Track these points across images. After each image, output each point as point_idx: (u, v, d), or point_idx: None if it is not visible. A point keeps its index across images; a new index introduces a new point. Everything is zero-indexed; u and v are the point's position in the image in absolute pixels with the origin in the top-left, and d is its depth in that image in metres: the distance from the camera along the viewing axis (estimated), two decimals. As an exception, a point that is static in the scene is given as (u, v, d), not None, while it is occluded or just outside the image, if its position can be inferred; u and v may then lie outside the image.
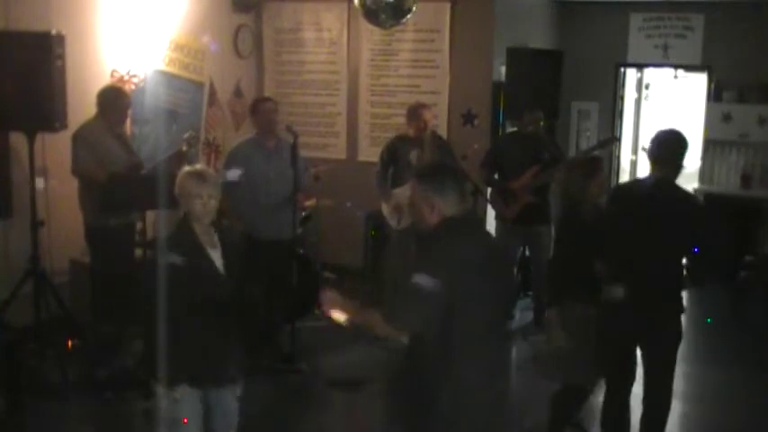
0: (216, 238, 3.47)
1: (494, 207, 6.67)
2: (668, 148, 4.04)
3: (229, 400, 3.57)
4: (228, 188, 5.65)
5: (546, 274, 4.84)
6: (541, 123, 6.62)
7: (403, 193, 6.32)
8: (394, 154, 6.45)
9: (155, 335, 3.25)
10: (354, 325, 3.04)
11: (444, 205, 2.94)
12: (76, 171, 5.36)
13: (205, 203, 3.36)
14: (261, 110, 5.70)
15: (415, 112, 6.37)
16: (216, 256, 3.43)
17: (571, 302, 4.21)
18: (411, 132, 6.38)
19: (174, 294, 3.22)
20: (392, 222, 6.46)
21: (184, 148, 5.68)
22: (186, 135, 5.83)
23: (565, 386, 4.47)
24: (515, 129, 7.06)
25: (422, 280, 2.80)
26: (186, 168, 3.45)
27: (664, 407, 4.13)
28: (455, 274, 2.82)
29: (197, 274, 3.31)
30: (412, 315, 2.84)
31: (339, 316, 3.03)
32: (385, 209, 6.51)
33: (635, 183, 4.09)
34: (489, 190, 6.75)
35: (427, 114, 6.37)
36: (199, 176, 3.39)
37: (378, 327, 2.96)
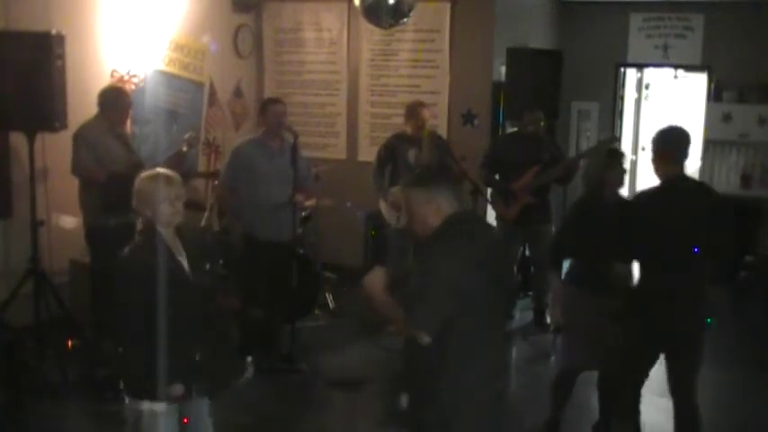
0: (179, 244, 3.33)
1: (494, 208, 6.66)
2: (681, 143, 4.12)
3: (204, 414, 3.40)
4: (229, 188, 5.67)
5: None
6: (542, 123, 6.62)
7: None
8: (392, 152, 6.45)
9: (129, 344, 3.19)
10: (378, 307, 2.99)
11: (447, 204, 2.98)
12: (77, 171, 5.36)
13: (174, 205, 3.25)
14: (270, 111, 5.66)
15: (413, 111, 6.37)
16: (183, 263, 3.30)
17: (586, 289, 4.35)
18: (409, 131, 6.39)
19: (142, 301, 3.11)
20: (391, 221, 6.46)
21: (185, 149, 5.67)
22: (187, 135, 5.82)
23: (562, 370, 4.62)
24: (515, 129, 7.06)
25: (425, 280, 2.82)
26: (145, 173, 3.32)
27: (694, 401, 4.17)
28: (456, 273, 2.83)
29: (168, 280, 3.15)
30: (430, 315, 2.84)
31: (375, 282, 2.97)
32: (383, 207, 6.52)
33: (659, 187, 4.17)
34: (489, 190, 6.75)
35: (425, 113, 6.37)
36: (164, 179, 3.27)
37: (399, 322, 2.94)
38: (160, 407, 3.18)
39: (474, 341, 2.89)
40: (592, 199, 4.47)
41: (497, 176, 6.64)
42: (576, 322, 4.47)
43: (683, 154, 4.11)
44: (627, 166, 4.48)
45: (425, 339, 2.84)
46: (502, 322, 3.24)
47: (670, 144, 4.10)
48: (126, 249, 3.25)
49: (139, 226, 5.13)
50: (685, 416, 4.16)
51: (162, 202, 3.23)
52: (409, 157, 6.34)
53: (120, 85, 6.27)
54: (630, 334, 4.17)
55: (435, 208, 2.97)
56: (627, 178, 4.52)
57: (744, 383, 5.67)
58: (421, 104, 6.47)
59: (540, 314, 6.77)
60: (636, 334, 4.13)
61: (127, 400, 3.24)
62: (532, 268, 6.96)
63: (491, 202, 6.66)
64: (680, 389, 4.14)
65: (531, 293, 7.03)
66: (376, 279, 2.98)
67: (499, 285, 3.06)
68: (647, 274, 4.12)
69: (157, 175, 3.30)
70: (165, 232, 3.27)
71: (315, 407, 5.27)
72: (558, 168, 6.39)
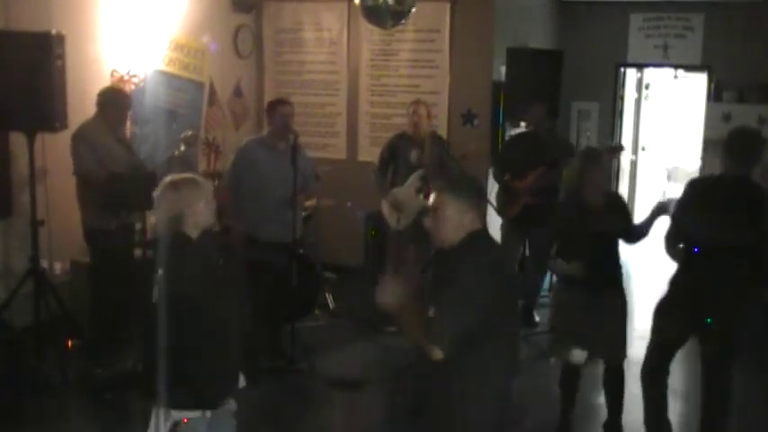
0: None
1: (498, 205, 6.63)
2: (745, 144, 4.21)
3: (228, 413, 3.38)
4: (233, 188, 5.66)
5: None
6: (544, 117, 6.64)
7: (403, 192, 6.32)
8: (394, 152, 6.46)
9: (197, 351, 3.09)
10: (398, 317, 2.89)
11: (478, 218, 2.94)
12: (79, 172, 5.33)
13: (209, 205, 3.23)
14: (278, 111, 5.65)
15: (409, 109, 6.46)
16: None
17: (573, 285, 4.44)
18: (410, 130, 6.41)
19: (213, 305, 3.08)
20: (391, 222, 6.45)
21: (182, 148, 5.65)
22: (183, 135, 5.80)
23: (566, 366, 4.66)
24: (524, 128, 7.10)
25: (460, 306, 2.79)
26: (177, 178, 3.24)
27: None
28: (489, 286, 2.82)
29: (217, 292, 3.15)
30: (456, 330, 2.78)
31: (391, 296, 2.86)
32: (385, 208, 6.52)
33: (712, 177, 4.30)
34: (497, 187, 6.77)
35: (421, 109, 6.39)
36: (196, 183, 3.25)
37: (418, 336, 2.87)
38: (206, 414, 3.15)
39: (499, 345, 2.90)
40: (571, 200, 4.53)
41: (507, 175, 6.63)
42: (566, 318, 4.53)
43: (741, 153, 4.17)
44: (609, 164, 4.52)
45: (438, 354, 2.78)
46: (517, 324, 3.25)
47: (729, 142, 4.22)
48: (169, 261, 3.12)
49: (139, 226, 5.08)
50: (716, 402, 4.30)
51: (201, 204, 3.19)
52: (411, 157, 6.35)
53: (119, 85, 6.26)
54: (663, 321, 4.28)
55: (469, 220, 2.91)
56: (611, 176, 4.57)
57: (744, 383, 5.66)
58: (416, 102, 6.51)
59: (528, 312, 6.77)
60: (669, 320, 4.24)
61: (164, 410, 3.12)
62: (527, 266, 6.94)
63: (496, 199, 6.66)
64: (712, 375, 4.32)
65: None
66: (388, 293, 2.84)
67: (514, 288, 3.08)
68: (689, 261, 4.22)
69: (191, 179, 3.26)
70: (198, 236, 3.21)
71: (315, 407, 5.27)
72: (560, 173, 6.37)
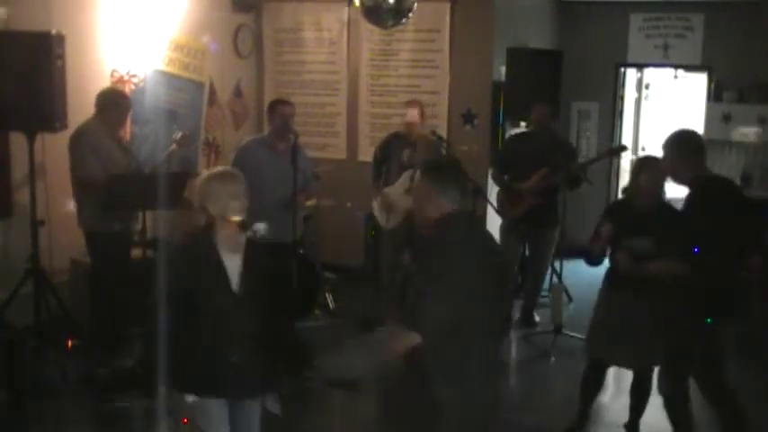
0: (240, 246, 3.31)
1: (499, 206, 6.60)
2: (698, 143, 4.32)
3: (251, 415, 3.45)
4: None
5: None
6: (548, 116, 6.64)
7: (394, 191, 6.32)
8: (388, 151, 6.46)
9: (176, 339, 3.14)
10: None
11: (447, 200, 3.02)
12: (80, 175, 5.29)
13: (241, 200, 3.26)
14: (279, 111, 5.66)
15: (405, 108, 6.46)
16: (234, 262, 3.29)
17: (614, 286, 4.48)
18: (403, 129, 6.42)
19: (180, 292, 3.14)
20: (381, 221, 6.47)
21: (172, 148, 5.63)
22: (174, 136, 5.76)
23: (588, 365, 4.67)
24: (525, 128, 7.08)
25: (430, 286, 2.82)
26: (211, 171, 3.32)
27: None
28: (458, 273, 2.83)
29: (207, 285, 3.19)
30: (434, 319, 2.83)
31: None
32: (375, 207, 6.53)
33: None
34: (498, 189, 6.74)
35: (412, 111, 6.36)
36: (233, 177, 3.32)
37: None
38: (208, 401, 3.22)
39: (476, 339, 2.90)
40: (623, 202, 4.67)
41: (507, 175, 6.62)
42: (604, 318, 4.54)
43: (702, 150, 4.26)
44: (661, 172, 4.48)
45: (416, 339, 2.84)
46: (500, 319, 3.27)
47: (694, 142, 4.27)
48: (182, 241, 3.29)
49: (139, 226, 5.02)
50: (725, 410, 4.35)
51: (233, 200, 3.24)
52: (403, 156, 6.35)
53: (119, 87, 6.26)
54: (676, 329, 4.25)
55: (436, 202, 3.02)
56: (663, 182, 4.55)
57: (744, 383, 5.66)
58: (409, 102, 6.50)
59: (528, 312, 6.76)
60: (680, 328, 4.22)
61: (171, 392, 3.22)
62: (528, 268, 6.93)
63: (497, 201, 6.63)
64: (705, 381, 4.32)
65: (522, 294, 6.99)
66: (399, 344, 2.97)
67: (496, 281, 3.10)
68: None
69: (227, 173, 3.34)
70: (226, 232, 3.23)
71: (315, 407, 5.27)
72: (563, 175, 6.32)
